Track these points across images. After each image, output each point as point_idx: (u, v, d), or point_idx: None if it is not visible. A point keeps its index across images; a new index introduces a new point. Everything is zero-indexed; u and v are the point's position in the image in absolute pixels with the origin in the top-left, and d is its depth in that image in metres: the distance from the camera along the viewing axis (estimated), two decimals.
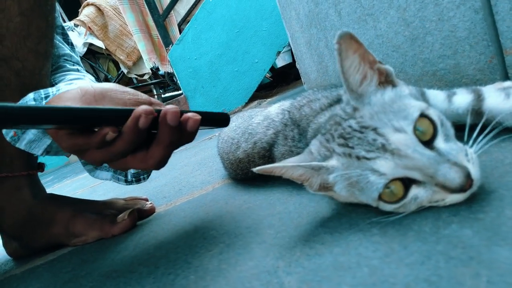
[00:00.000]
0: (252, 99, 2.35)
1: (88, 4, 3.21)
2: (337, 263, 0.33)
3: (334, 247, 0.36)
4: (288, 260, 0.36)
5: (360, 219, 0.39)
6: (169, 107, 0.45)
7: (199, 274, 0.41)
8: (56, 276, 0.59)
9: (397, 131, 0.34)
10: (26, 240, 0.78)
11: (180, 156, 1.47)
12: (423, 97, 0.50)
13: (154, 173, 1.35)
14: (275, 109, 0.67)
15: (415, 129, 0.35)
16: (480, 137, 0.36)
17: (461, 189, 0.33)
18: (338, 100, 0.50)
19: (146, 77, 3.31)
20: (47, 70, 0.74)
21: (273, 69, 3.27)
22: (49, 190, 0.82)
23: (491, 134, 0.36)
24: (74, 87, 0.61)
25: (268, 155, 0.62)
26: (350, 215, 0.41)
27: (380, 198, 0.36)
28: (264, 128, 0.63)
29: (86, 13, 3.15)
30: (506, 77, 0.52)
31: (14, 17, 0.65)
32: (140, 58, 3.00)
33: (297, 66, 1.52)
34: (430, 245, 0.30)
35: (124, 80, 3.41)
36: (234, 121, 0.85)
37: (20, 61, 0.68)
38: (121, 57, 3.16)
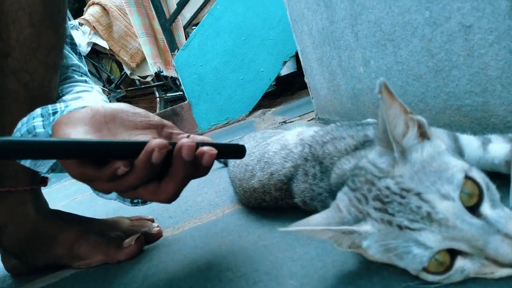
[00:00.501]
0: (256, 107, 2.33)
1: (93, 3, 3.18)
2: None
3: None
4: None
5: (394, 281, 0.36)
6: (185, 141, 0.43)
7: None
8: None
9: (444, 198, 0.32)
10: (27, 257, 0.75)
11: None
12: (456, 143, 0.47)
13: None
14: (292, 137, 0.65)
15: (460, 194, 0.32)
16: None
17: None
18: (365, 142, 0.48)
19: (149, 79, 3.28)
20: (56, 82, 0.72)
21: (277, 77, 3.25)
22: (47, 190, 0.80)
23: None
24: (82, 104, 0.58)
25: (285, 188, 0.60)
26: (382, 274, 0.38)
27: (423, 269, 0.34)
28: (281, 159, 0.61)
29: (91, 12, 3.12)
30: None
31: (25, 29, 0.63)
32: (143, 59, 2.97)
33: (306, 80, 1.50)
34: None
35: (126, 81, 3.38)
36: (246, 142, 0.83)
37: (29, 73, 0.66)
38: (125, 58, 3.13)
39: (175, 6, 2.31)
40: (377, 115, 0.36)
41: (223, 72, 2.24)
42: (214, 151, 0.44)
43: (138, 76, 3.25)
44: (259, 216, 0.66)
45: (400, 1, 0.70)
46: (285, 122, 1.77)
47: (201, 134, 2.27)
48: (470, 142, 0.46)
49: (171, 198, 0.47)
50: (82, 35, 3.04)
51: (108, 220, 0.79)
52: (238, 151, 0.51)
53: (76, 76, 0.83)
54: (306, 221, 0.39)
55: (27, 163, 0.60)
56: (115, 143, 0.41)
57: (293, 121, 1.74)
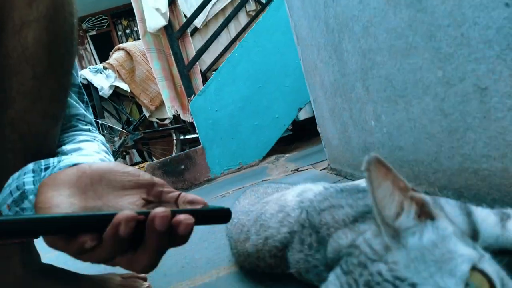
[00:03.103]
0: (270, 152, 2.29)
1: (119, 49, 3.32)
2: None
3: None
4: None
5: None
6: (158, 210, 0.39)
7: None
8: None
9: None
10: None
11: None
12: (470, 219, 0.42)
13: None
14: (292, 198, 0.60)
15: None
16: None
17: None
18: (365, 214, 0.43)
19: (167, 121, 3.33)
20: (55, 132, 0.70)
21: (294, 122, 3.25)
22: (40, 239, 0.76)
23: None
24: (74, 161, 0.56)
25: (280, 255, 0.54)
26: None
27: None
28: (277, 223, 0.56)
29: (115, 56, 3.25)
30: None
31: (27, 81, 0.62)
32: (162, 103, 3.03)
33: (318, 129, 1.47)
34: None
35: (145, 123, 3.44)
36: (248, 198, 0.78)
37: (27, 124, 0.64)
38: (145, 101, 3.20)
39: (194, 53, 2.37)
40: None
41: (238, 118, 2.25)
42: (191, 220, 0.39)
43: (157, 118, 3.30)
44: (254, 282, 0.60)
45: (411, 59, 0.67)
46: (297, 170, 1.72)
47: (213, 179, 2.24)
48: (486, 217, 0.41)
49: (147, 269, 0.42)
50: (105, 79, 3.15)
51: (99, 278, 0.75)
52: (221, 216, 0.46)
53: (80, 125, 0.82)
54: None
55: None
56: (81, 217, 0.39)
57: (305, 169, 1.69)
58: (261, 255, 0.57)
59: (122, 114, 3.45)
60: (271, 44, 2.25)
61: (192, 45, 2.43)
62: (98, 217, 0.38)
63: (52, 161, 0.58)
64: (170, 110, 2.43)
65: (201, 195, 1.66)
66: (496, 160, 0.54)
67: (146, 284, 0.72)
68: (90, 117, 0.87)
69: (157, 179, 0.51)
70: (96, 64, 3.53)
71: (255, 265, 0.59)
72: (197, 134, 2.98)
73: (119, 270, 0.79)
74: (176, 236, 0.40)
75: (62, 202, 0.45)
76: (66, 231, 0.37)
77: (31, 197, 0.54)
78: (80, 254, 0.40)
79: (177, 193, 0.48)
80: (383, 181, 0.31)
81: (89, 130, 0.81)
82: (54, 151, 0.71)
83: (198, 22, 2.85)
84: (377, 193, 0.31)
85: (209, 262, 0.79)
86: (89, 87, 3.14)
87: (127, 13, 5.91)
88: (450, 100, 0.60)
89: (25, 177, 0.56)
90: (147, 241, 0.40)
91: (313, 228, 0.49)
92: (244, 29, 2.60)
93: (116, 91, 3.23)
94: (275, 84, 2.25)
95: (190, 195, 0.48)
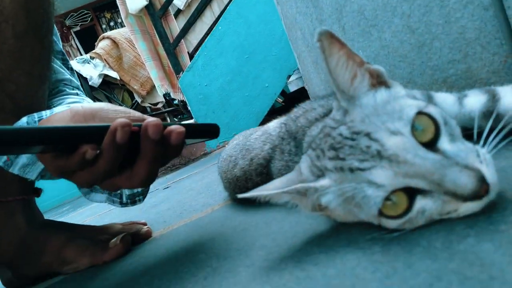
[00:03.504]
0: (263, 123, 2.32)
1: (104, 38, 3.31)
2: (329, 287, 0.28)
3: (328, 268, 0.30)
4: (275, 285, 0.31)
5: (361, 235, 0.33)
6: (150, 119, 0.42)
7: None
8: None
9: (393, 134, 0.29)
10: (19, 268, 0.74)
11: (188, 181, 1.44)
12: (430, 101, 0.45)
13: (158, 198, 1.31)
14: (274, 123, 0.63)
15: (413, 129, 0.30)
16: (492, 136, 0.31)
17: (475, 196, 0.27)
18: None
19: (159, 105, 3.34)
20: (43, 93, 0.72)
21: (285, 94, 3.26)
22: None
23: (504, 131, 0.31)
24: (65, 109, 0.58)
25: (266, 172, 0.57)
26: (350, 232, 0.35)
27: (381, 213, 0.31)
28: (261, 143, 0.59)
29: (101, 46, 3.24)
30: None
31: (8, 40, 0.64)
32: (153, 87, 3.04)
33: (305, 86, 1.49)
34: (441, 262, 0.25)
35: (138, 109, 3.45)
36: (236, 139, 0.81)
37: (13, 83, 0.67)
38: (135, 87, 3.21)
39: (178, 31, 2.37)
40: None
41: (228, 90, 2.26)
42: (181, 129, 0.42)
43: (149, 103, 3.32)
44: (245, 206, 0.64)
45: None
46: None
47: (210, 153, 2.28)
48: (445, 99, 0.44)
49: (144, 180, 0.45)
50: (93, 68, 3.14)
51: (99, 226, 0.78)
52: (210, 131, 0.49)
53: (67, 90, 0.84)
54: (264, 187, 0.37)
55: (15, 170, 0.60)
56: (79, 127, 0.40)
57: None
58: (248, 175, 0.60)
59: (114, 102, 3.46)
60: (255, 14, 2.26)
61: (175, 23, 2.43)
62: (96, 128, 0.40)
63: (45, 113, 0.61)
64: (160, 89, 2.44)
65: (199, 167, 1.68)
66: (460, 63, 0.57)
67: (145, 227, 0.76)
68: (77, 82, 0.89)
69: (147, 116, 0.54)
70: (81, 55, 3.52)
71: (244, 188, 0.62)
72: (192, 119, 2.99)
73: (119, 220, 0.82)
74: (169, 146, 0.43)
75: None
76: (67, 140, 0.38)
77: None
78: (81, 168, 0.42)
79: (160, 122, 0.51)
80: (336, 51, 0.33)
81: (76, 94, 0.83)
82: None
83: (181, 3, 2.84)
84: (330, 61, 0.33)
85: (205, 204, 0.82)
86: (78, 78, 3.14)
87: (109, 6, 5.84)
88: (415, 14, 0.62)
89: None
90: (142, 151, 0.42)
91: (290, 135, 0.52)
92: (227, 7, 2.59)
93: (106, 79, 3.23)
94: (262, 53, 2.26)
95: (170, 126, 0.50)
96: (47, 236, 0.72)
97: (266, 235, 0.44)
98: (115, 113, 0.50)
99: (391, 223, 0.31)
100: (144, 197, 0.70)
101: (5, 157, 0.60)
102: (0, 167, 0.59)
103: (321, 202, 0.35)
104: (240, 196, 0.38)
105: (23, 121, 0.59)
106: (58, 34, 0.85)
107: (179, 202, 1.01)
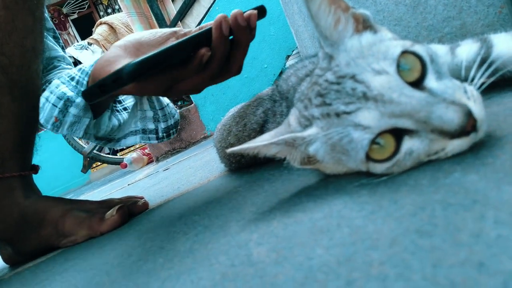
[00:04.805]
0: None
1: (101, 23, 3.28)
2: (315, 228, 0.27)
3: (315, 213, 0.30)
4: (263, 232, 0.31)
5: (349, 183, 0.33)
6: (234, 11, 0.49)
7: (168, 257, 0.36)
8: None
9: (378, 73, 0.29)
10: (18, 244, 0.74)
11: (188, 161, 1.44)
12: None
13: (158, 178, 1.32)
14: (268, 88, 0.62)
15: (398, 68, 0.29)
16: (479, 73, 0.30)
17: (462, 132, 0.27)
18: None
19: None
20: (37, 67, 0.72)
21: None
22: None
23: (491, 68, 0.30)
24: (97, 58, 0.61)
25: None
26: (339, 182, 0.35)
27: (369, 158, 0.30)
28: (253, 108, 0.58)
29: (99, 31, 3.22)
30: None
31: None
32: None
33: None
34: (427, 195, 0.24)
35: None
36: (231, 111, 0.81)
37: (6, 56, 0.66)
38: None
39: (175, 13, 2.34)
40: None
41: None
42: (254, 12, 0.49)
43: None
44: (240, 174, 0.63)
45: None
46: None
47: (210, 136, 2.27)
48: (438, 48, 0.43)
49: (240, 66, 0.53)
50: (91, 54, 3.12)
51: (98, 200, 0.78)
52: (262, 10, 0.53)
53: (63, 65, 0.84)
54: (253, 140, 0.37)
55: (64, 130, 0.64)
56: (194, 36, 0.45)
57: None
58: (242, 142, 0.59)
59: None
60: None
61: (172, 5, 2.40)
62: (204, 32, 0.46)
63: (73, 71, 0.64)
64: None
65: (199, 149, 1.68)
66: (455, 19, 0.55)
67: (142, 200, 0.76)
68: (70, 60, 0.89)
69: (175, 28, 0.59)
70: (79, 42, 3.49)
71: (239, 157, 0.62)
72: (187, 101, 2.98)
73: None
74: (251, 29, 0.50)
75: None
76: (191, 48, 0.45)
77: (78, 100, 0.61)
78: (198, 71, 0.47)
79: (196, 28, 0.57)
80: None
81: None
82: (39, 87, 0.73)
83: None
84: (311, 5, 0.32)
85: (202, 177, 0.82)
86: (76, 65, 3.13)
87: None
88: None
89: (60, 88, 0.63)
90: (237, 40, 0.49)
91: (282, 96, 0.51)
92: None
93: None
94: (260, 34, 2.23)
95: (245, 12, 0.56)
96: (45, 209, 0.72)
97: (257, 194, 0.44)
98: (156, 35, 0.56)
99: (379, 167, 0.31)
100: (176, 130, 0.77)
101: (53, 119, 0.64)
102: None
103: (309, 151, 0.34)
104: (228, 150, 0.37)
105: (56, 83, 0.65)
106: (46, 9, 0.84)
107: (178, 179, 1.01)
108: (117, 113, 0.76)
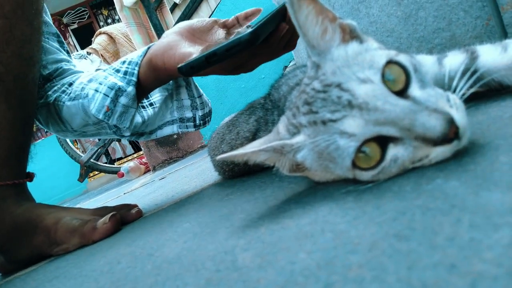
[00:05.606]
0: None
1: (100, 33, 3.31)
2: (300, 233, 0.27)
3: (301, 219, 0.30)
4: (250, 238, 0.31)
5: (336, 190, 0.33)
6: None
7: (156, 263, 0.36)
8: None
9: (363, 82, 0.29)
10: (10, 252, 0.74)
11: (184, 171, 1.44)
12: (411, 60, 0.45)
13: (154, 187, 1.32)
14: (261, 97, 0.63)
15: (383, 78, 0.30)
16: (462, 82, 0.31)
17: (445, 139, 0.27)
18: None
19: None
20: (34, 76, 0.72)
21: None
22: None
23: (474, 77, 0.31)
24: (147, 46, 0.66)
25: None
26: (327, 189, 0.35)
27: (355, 166, 0.31)
28: (246, 116, 0.59)
29: (98, 41, 3.24)
30: (505, 38, 0.47)
31: None
32: None
33: None
34: (408, 201, 0.25)
35: None
36: (226, 120, 0.81)
37: (3, 65, 0.66)
38: None
39: (173, 24, 2.36)
40: None
41: (225, 82, 2.26)
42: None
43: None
44: (233, 182, 0.64)
45: None
46: None
47: (207, 145, 2.28)
48: (425, 60, 0.43)
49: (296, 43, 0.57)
50: (90, 64, 3.14)
51: (90, 208, 0.78)
52: (282, 11, 0.54)
53: (73, 68, 0.84)
54: (243, 147, 0.37)
55: (114, 120, 0.67)
56: (275, 12, 0.49)
57: None
58: (234, 150, 0.60)
59: None
60: (250, 5, 2.25)
61: (171, 16, 2.42)
62: (280, 9, 0.49)
63: (118, 64, 0.69)
64: None
65: (196, 158, 1.69)
66: (445, 30, 0.56)
67: (136, 208, 0.76)
68: (74, 64, 0.89)
69: (213, 18, 0.64)
70: (78, 51, 3.51)
71: (232, 164, 0.62)
72: None
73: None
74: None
75: (192, 50, 0.56)
76: (275, 24, 0.49)
77: (129, 89, 0.64)
78: (279, 44, 0.52)
79: (232, 17, 0.64)
80: (305, 6, 0.33)
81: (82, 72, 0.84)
82: (35, 96, 0.74)
83: None
84: (299, 16, 0.33)
85: (197, 186, 0.82)
86: None
87: (106, 2, 5.83)
88: None
89: (108, 80, 0.67)
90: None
91: (274, 105, 0.52)
92: None
93: None
94: None
95: (242, 13, 0.65)
96: (38, 217, 0.72)
97: (248, 201, 0.44)
98: (203, 22, 0.62)
99: (365, 175, 0.31)
100: (210, 118, 0.82)
101: (105, 108, 0.67)
102: None
103: (297, 158, 0.35)
104: (218, 157, 0.38)
105: (102, 76, 0.69)
106: (48, 12, 0.85)
107: (173, 188, 1.01)
108: (141, 110, 0.77)
